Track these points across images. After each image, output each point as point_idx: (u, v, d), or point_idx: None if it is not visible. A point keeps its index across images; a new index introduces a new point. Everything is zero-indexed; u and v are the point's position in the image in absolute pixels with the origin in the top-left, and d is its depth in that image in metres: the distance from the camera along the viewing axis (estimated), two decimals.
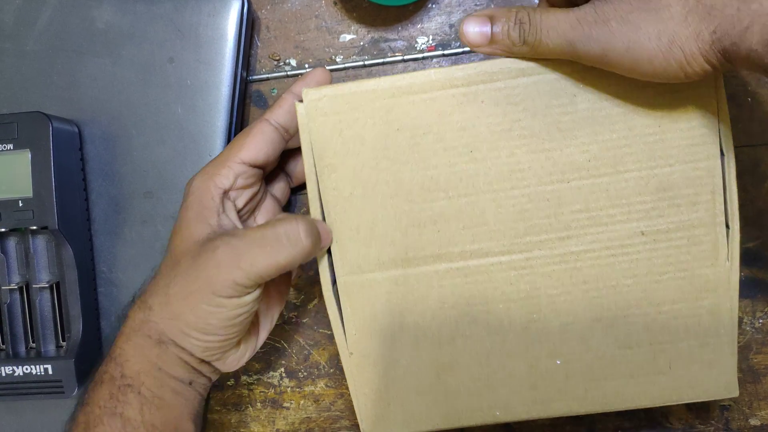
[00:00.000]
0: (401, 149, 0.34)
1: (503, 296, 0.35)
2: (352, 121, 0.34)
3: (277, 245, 0.32)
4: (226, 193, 0.35)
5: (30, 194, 0.40)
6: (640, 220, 0.34)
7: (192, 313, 0.32)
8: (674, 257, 0.34)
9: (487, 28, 0.33)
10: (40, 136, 0.40)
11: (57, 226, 0.40)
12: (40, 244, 0.43)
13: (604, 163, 0.33)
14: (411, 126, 0.34)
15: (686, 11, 0.27)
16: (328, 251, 0.36)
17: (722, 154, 0.34)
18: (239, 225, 0.36)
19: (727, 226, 0.34)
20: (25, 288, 0.43)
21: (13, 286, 0.42)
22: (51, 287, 0.43)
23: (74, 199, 0.43)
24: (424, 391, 0.36)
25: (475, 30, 0.33)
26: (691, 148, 0.33)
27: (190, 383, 0.35)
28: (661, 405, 0.36)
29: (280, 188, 0.42)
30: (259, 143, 0.36)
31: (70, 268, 0.42)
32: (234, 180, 0.35)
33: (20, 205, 0.40)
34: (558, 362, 0.35)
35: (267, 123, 0.36)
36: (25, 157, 0.40)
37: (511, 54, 0.33)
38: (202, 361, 0.34)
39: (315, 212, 0.35)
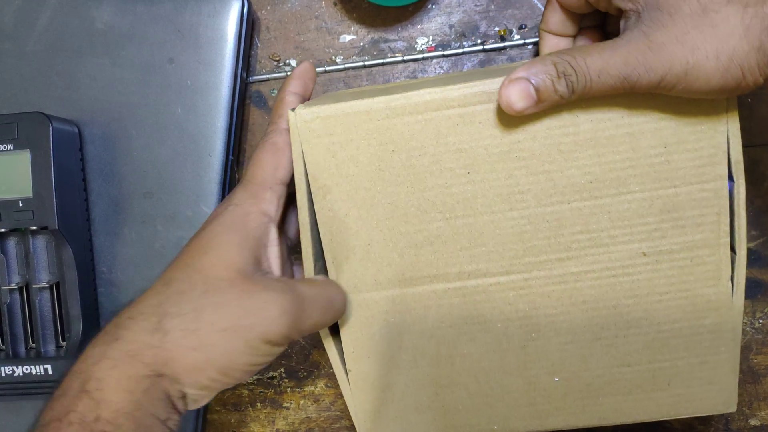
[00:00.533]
0: (396, 171, 0.33)
1: (502, 316, 0.34)
2: (346, 143, 0.33)
3: (329, 309, 0.32)
4: (270, 222, 0.33)
5: (30, 194, 0.40)
6: (642, 241, 0.33)
7: (224, 346, 0.29)
8: (676, 278, 0.34)
9: (530, 88, 0.30)
10: (40, 137, 0.40)
11: (57, 226, 0.40)
12: (40, 244, 0.43)
13: (606, 184, 0.33)
14: (406, 147, 0.33)
15: (746, 24, 0.26)
16: (324, 271, 0.35)
17: (731, 179, 0.32)
18: (277, 271, 0.33)
19: (734, 251, 0.33)
20: (25, 288, 0.43)
21: (13, 286, 0.43)
22: (51, 287, 0.43)
23: (74, 199, 0.43)
24: (423, 408, 0.36)
25: (518, 94, 0.30)
26: (699, 169, 0.32)
27: (166, 421, 0.31)
28: (659, 420, 0.36)
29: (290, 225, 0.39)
30: (290, 157, 0.33)
31: (70, 268, 0.42)
32: (277, 205, 0.33)
33: (20, 205, 0.40)
34: (556, 380, 0.35)
35: (288, 133, 0.34)
36: (25, 157, 0.40)
37: (557, 106, 0.31)
38: (182, 397, 0.31)
39: (304, 224, 0.34)
